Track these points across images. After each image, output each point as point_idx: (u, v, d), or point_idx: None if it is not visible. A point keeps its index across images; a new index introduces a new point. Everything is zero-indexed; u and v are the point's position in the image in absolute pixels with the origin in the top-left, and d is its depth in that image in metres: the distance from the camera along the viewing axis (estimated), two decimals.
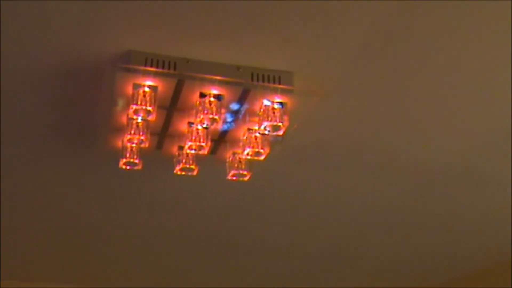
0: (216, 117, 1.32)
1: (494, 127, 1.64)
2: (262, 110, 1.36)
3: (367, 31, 1.26)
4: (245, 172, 1.59)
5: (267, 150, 1.47)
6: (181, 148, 1.55)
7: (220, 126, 1.44)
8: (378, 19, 1.22)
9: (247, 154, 1.49)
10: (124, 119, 1.42)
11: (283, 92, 1.35)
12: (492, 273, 2.74)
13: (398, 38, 1.29)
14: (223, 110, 1.34)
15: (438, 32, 1.27)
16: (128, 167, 1.53)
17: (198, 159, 1.56)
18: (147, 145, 1.44)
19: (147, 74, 1.28)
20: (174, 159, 1.57)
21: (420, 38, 1.29)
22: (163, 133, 1.52)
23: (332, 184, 1.94)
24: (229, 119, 1.44)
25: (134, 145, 1.49)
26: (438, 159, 1.80)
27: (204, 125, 1.39)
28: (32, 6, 1.15)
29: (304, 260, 2.64)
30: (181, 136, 1.49)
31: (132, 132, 1.41)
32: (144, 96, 1.30)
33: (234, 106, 1.39)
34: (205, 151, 1.46)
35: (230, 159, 1.59)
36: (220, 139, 1.54)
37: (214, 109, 1.32)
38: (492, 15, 1.23)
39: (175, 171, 1.56)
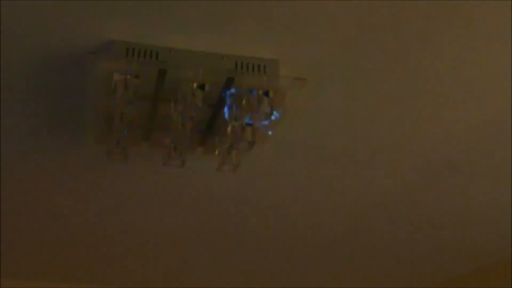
0: (200, 106, 1.30)
1: (495, 118, 1.60)
2: (247, 99, 1.34)
3: (358, 15, 1.23)
4: (233, 164, 1.56)
5: (254, 141, 1.45)
6: (168, 140, 1.52)
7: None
8: (369, 5, 1.19)
9: (235, 146, 1.46)
10: (108, 111, 1.39)
11: (269, 80, 1.32)
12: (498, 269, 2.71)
13: (392, 24, 1.25)
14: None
15: (434, 19, 1.24)
16: (115, 160, 1.51)
17: (186, 151, 1.53)
18: (132, 137, 1.43)
19: (128, 64, 1.26)
20: (162, 151, 1.55)
21: (416, 23, 1.25)
22: (149, 125, 1.49)
23: (325, 176, 1.91)
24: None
25: (120, 137, 1.47)
26: (436, 150, 1.77)
27: (188, 116, 1.37)
28: None
29: (299, 257, 2.61)
30: (167, 128, 1.47)
31: (117, 124, 1.38)
32: (126, 86, 1.28)
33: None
34: (191, 143, 1.44)
35: (219, 151, 1.57)
36: (208, 131, 1.52)
37: (198, 98, 1.30)
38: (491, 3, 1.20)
39: (162, 164, 1.54)
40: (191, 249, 2.50)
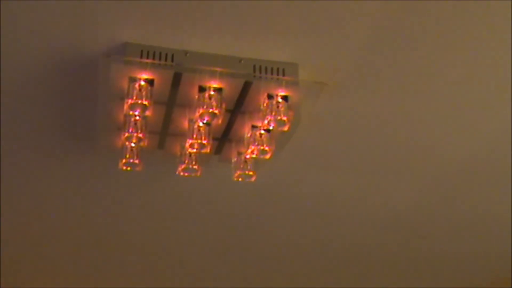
0: (217, 112, 1.25)
1: (509, 124, 1.55)
2: (265, 104, 1.29)
3: (376, 21, 1.19)
4: (251, 173, 1.51)
5: (273, 148, 1.40)
6: (183, 147, 1.48)
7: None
8: (388, 9, 1.16)
9: (252, 153, 1.41)
10: (121, 116, 1.35)
11: (288, 84, 1.27)
12: None
13: (411, 29, 1.22)
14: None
15: (455, 25, 1.21)
16: (128, 168, 1.47)
17: (201, 159, 1.49)
18: (145, 143, 1.38)
19: (143, 66, 1.22)
20: (177, 159, 1.50)
21: (436, 29, 1.22)
22: (164, 131, 1.45)
23: (342, 184, 1.86)
24: None
25: (133, 144, 1.42)
26: (457, 159, 1.72)
27: (205, 121, 1.32)
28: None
29: (314, 264, 2.56)
30: (182, 134, 1.42)
31: (130, 129, 1.34)
32: (140, 90, 1.23)
33: None
34: (207, 150, 1.39)
35: (235, 158, 1.52)
36: (224, 138, 1.47)
37: (214, 103, 1.25)
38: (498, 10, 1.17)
39: (177, 172, 1.49)
40: (206, 256, 2.45)
